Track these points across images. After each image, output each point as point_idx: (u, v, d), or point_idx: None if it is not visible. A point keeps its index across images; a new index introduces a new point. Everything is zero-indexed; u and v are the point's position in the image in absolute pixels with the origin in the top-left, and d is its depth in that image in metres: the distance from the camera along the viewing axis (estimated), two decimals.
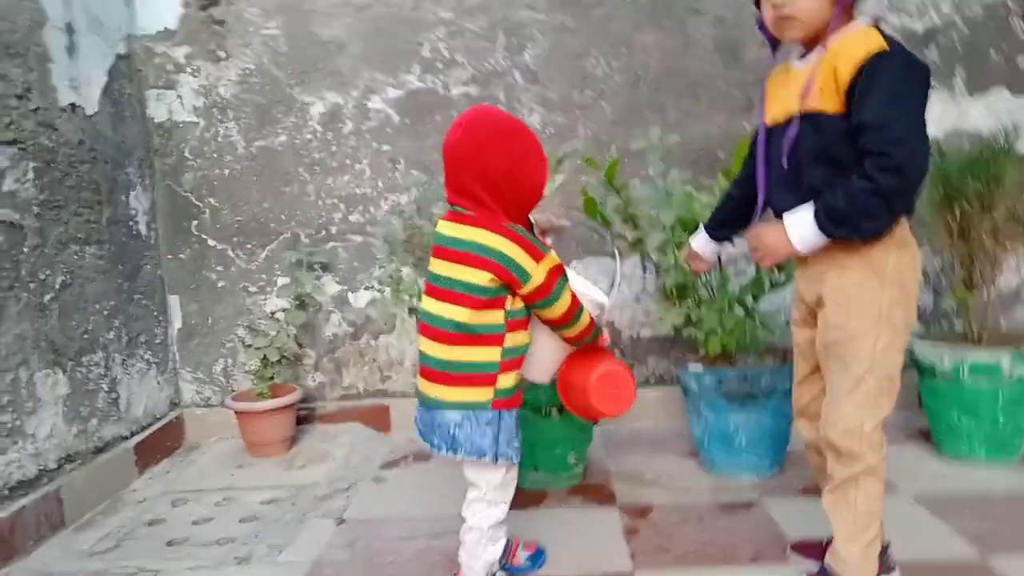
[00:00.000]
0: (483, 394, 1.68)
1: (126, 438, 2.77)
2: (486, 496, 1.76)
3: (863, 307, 1.56)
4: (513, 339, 1.69)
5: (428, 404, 1.72)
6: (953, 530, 2.03)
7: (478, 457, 1.69)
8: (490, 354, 1.68)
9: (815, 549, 1.84)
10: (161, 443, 2.98)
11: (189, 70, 3.07)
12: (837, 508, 1.65)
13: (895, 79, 1.44)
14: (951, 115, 3.03)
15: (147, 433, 2.89)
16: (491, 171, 1.62)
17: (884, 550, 1.75)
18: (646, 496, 2.39)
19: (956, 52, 3.01)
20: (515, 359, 1.71)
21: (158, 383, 3.04)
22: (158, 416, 3.02)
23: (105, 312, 2.69)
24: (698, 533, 2.12)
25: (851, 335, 1.58)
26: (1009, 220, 2.49)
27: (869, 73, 1.44)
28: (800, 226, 1.54)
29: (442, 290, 1.68)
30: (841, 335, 1.60)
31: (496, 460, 1.70)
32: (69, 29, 2.56)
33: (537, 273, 1.64)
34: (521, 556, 1.95)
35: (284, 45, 3.04)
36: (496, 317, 1.66)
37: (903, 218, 1.56)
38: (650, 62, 3.02)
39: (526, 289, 1.65)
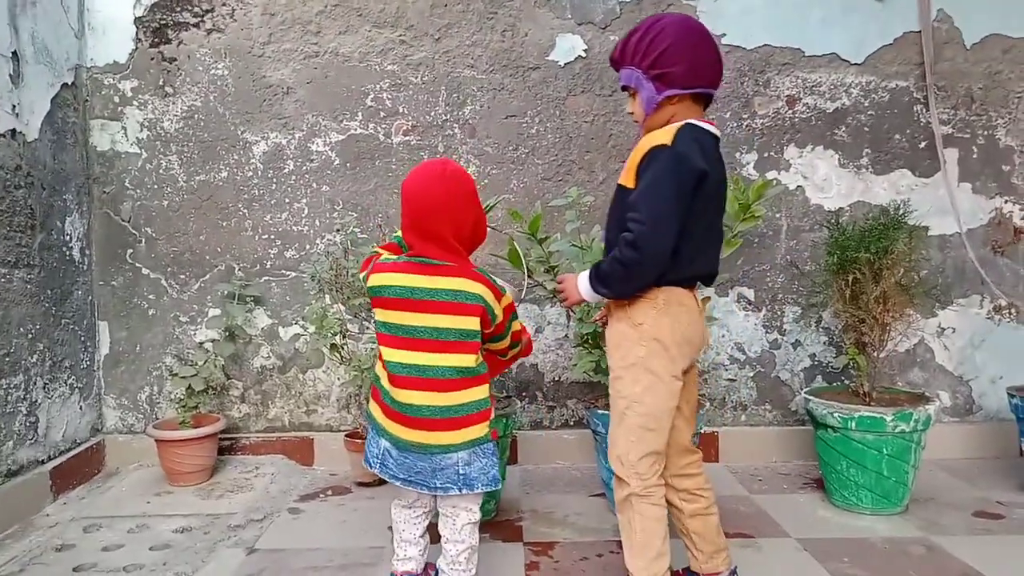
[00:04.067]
0: (483, 428, 1.81)
1: (42, 462, 2.77)
2: (474, 518, 1.88)
3: (624, 354, 1.83)
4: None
5: (428, 451, 1.77)
6: (830, 574, 2.18)
7: (494, 487, 1.81)
8: (485, 391, 1.82)
9: None
10: (79, 468, 2.97)
11: (136, 103, 3.15)
12: (622, 527, 1.84)
13: (658, 170, 1.69)
14: (857, 188, 3.28)
15: (65, 458, 2.89)
16: (464, 224, 1.82)
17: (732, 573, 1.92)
18: (552, 534, 2.48)
19: (863, 133, 3.26)
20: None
21: (80, 408, 3.05)
22: (78, 441, 3.02)
23: (29, 335, 2.71)
24: (595, 570, 2.22)
25: (616, 375, 1.85)
26: (896, 288, 2.71)
27: (647, 162, 1.72)
28: (584, 280, 1.85)
29: (430, 341, 1.77)
30: (612, 375, 1.86)
31: (501, 483, 1.82)
32: (15, 57, 2.64)
33: (498, 312, 1.83)
34: None
35: (232, 86, 3.16)
36: (481, 357, 1.83)
37: (670, 287, 1.78)
38: (581, 124, 3.21)
39: (490, 327, 1.83)
